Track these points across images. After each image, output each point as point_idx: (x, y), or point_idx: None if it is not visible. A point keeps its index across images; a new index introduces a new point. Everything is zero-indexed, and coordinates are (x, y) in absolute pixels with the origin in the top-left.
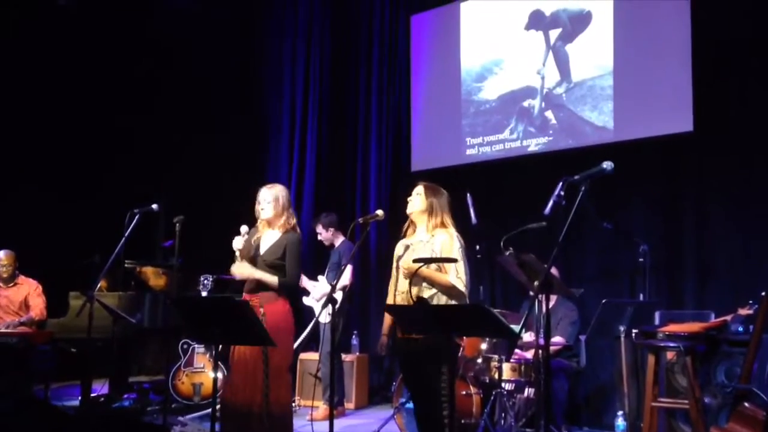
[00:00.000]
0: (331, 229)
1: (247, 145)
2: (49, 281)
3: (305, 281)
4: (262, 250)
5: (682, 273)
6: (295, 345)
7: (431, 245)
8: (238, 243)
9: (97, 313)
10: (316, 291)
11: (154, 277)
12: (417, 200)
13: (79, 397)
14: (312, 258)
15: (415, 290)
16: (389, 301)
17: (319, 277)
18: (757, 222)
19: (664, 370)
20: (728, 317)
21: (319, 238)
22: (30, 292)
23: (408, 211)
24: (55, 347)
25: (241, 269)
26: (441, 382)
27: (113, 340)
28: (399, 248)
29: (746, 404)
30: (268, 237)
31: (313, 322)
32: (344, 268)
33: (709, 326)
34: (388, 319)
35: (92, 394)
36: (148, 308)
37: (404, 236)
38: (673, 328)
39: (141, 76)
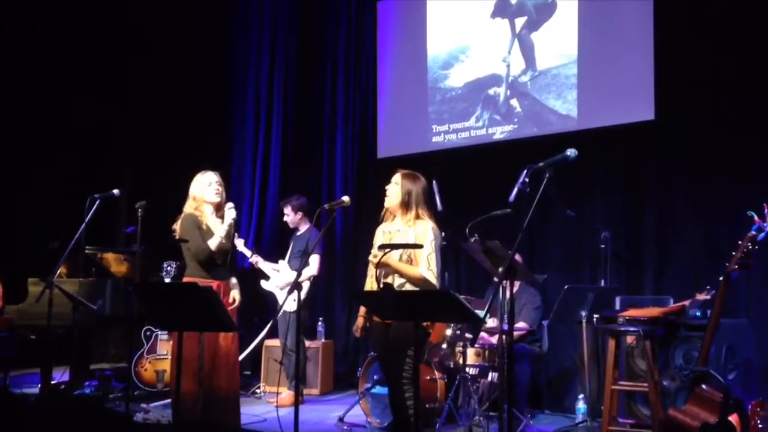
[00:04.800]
0: (300, 213)
1: (211, 130)
2: (7, 267)
3: (264, 265)
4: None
5: (643, 259)
6: (263, 333)
7: (406, 236)
8: None
9: (57, 299)
10: (279, 278)
11: (115, 263)
12: (394, 190)
13: (39, 385)
14: (276, 242)
15: (385, 279)
16: (366, 286)
17: (280, 262)
18: (715, 209)
19: (624, 354)
20: (686, 302)
21: (285, 219)
22: None
23: (386, 204)
24: (15, 334)
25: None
26: (405, 367)
27: (74, 327)
28: (378, 234)
29: (704, 386)
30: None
31: (281, 311)
32: (310, 256)
33: (667, 311)
34: None
35: (53, 382)
36: (110, 295)
37: (382, 221)
38: (633, 312)
39: (105, 60)
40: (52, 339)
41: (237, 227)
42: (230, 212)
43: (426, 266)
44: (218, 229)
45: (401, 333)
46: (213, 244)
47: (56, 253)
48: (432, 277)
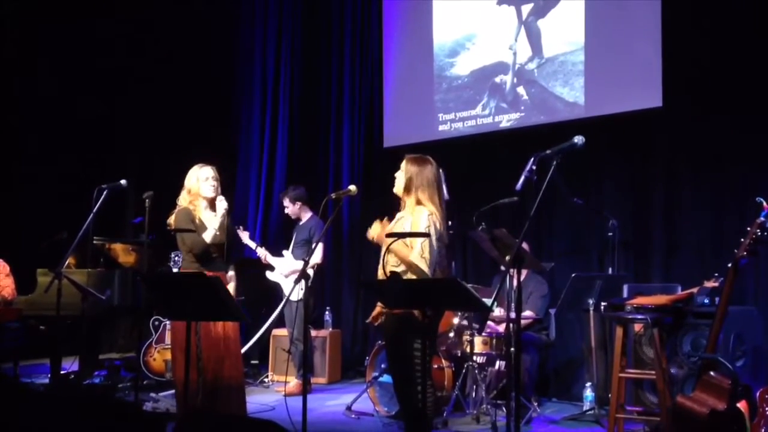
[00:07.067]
0: (298, 203)
1: (218, 121)
2: (16, 258)
3: (269, 256)
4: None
5: (650, 247)
6: (267, 323)
7: (404, 222)
8: None
9: (65, 290)
10: (283, 267)
11: (123, 253)
12: (399, 177)
13: (49, 375)
14: (279, 233)
15: (389, 263)
16: (379, 274)
17: (284, 252)
18: (723, 196)
19: (632, 342)
20: (694, 290)
21: (286, 211)
22: None
23: (394, 190)
24: (24, 324)
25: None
26: (415, 357)
27: (83, 317)
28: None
29: (712, 373)
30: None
31: (285, 300)
32: (315, 246)
33: (675, 298)
34: None
35: (62, 372)
36: (118, 285)
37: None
38: (640, 300)
39: (108, 50)
40: (61, 329)
41: (244, 219)
42: (221, 203)
43: (419, 253)
44: (212, 221)
45: (400, 324)
46: (208, 236)
47: (64, 244)
48: (424, 265)
